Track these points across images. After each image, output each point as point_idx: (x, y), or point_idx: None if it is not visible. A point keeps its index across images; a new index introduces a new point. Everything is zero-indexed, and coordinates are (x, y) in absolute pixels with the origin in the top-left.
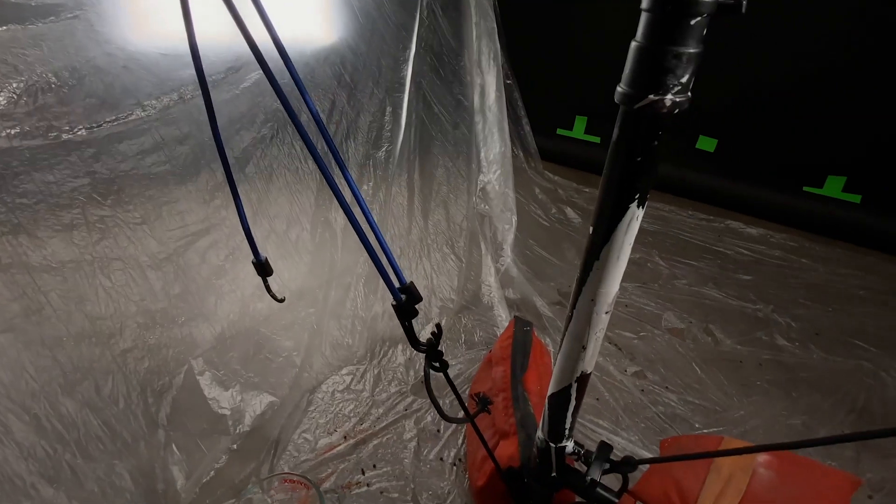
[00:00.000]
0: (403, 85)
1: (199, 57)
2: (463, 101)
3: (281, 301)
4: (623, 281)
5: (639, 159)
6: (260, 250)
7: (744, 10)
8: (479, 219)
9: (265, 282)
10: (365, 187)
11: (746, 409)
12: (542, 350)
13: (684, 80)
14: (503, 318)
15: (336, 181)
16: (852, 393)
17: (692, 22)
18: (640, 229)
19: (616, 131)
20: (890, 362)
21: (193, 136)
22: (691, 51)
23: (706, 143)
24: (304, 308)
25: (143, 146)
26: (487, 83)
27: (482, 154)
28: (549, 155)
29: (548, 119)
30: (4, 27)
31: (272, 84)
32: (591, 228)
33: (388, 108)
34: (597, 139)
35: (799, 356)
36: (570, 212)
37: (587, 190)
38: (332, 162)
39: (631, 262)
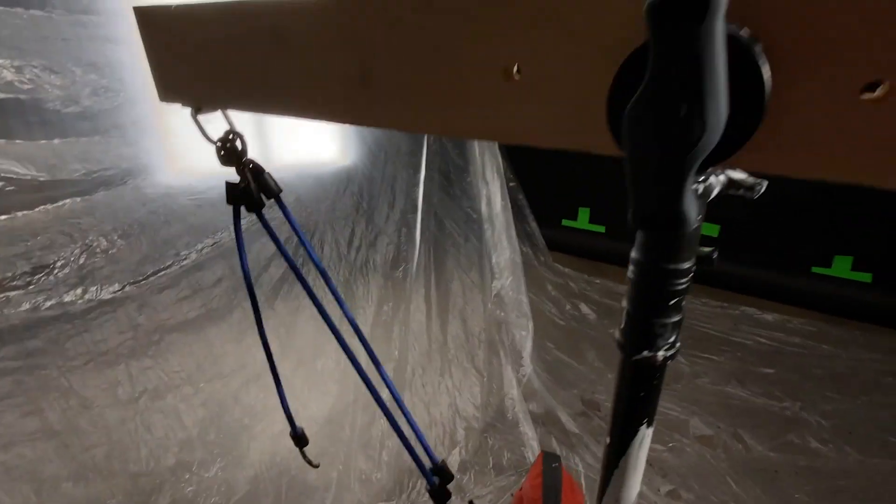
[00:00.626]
0: (416, 206)
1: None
2: (472, 214)
3: (316, 467)
4: None
5: (642, 394)
6: (289, 382)
7: (714, 264)
8: (496, 327)
9: (302, 452)
10: (385, 307)
11: None
12: (572, 488)
13: (671, 339)
14: (529, 436)
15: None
16: None
17: (671, 302)
18: None
19: (618, 371)
20: None
21: (227, 277)
22: (675, 319)
23: (709, 229)
24: (331, 440)
25: (182, 293)
26: (493, 193)
27: (493, 261)
28: (556, 245)
29: (552, 211)
30: (61, 202)
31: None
32: (606, 439)
33: (403, 230)
34: (601, 228)
35: (835, 460)
36: (584, 307)
37: (598, 281)
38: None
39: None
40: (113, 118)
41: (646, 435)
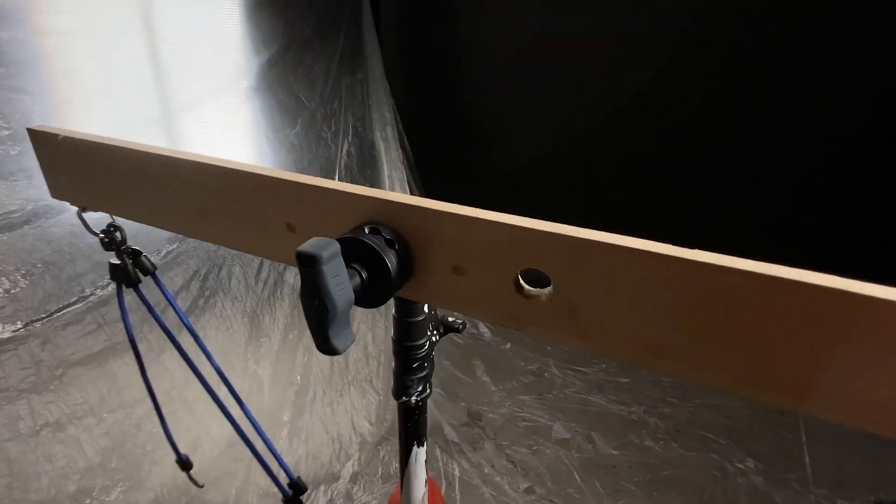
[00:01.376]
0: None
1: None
2: None
3: (201, 487)
4: (523, 394)
5: (409, 425)
6: (192, 408)
7: (462, 331)
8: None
9: (188, 475)
10: (290, 335)
11: None
12: (432, 488)
13: (420, 388)
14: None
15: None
16: (700, 486)
17: (415, 365)
18: (539, 341)
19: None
20: (733, 452)
21: (132, 311)
22: (421, 375)
23: None
24: (233, 459)
25: (86, 329)
26: None
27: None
28: None
29: None
30: None
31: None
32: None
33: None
34: None
35: (661, 455)
36: (482, 327)
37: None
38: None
39: (531, 373)
40: (18, 163)
41: (419, 452)
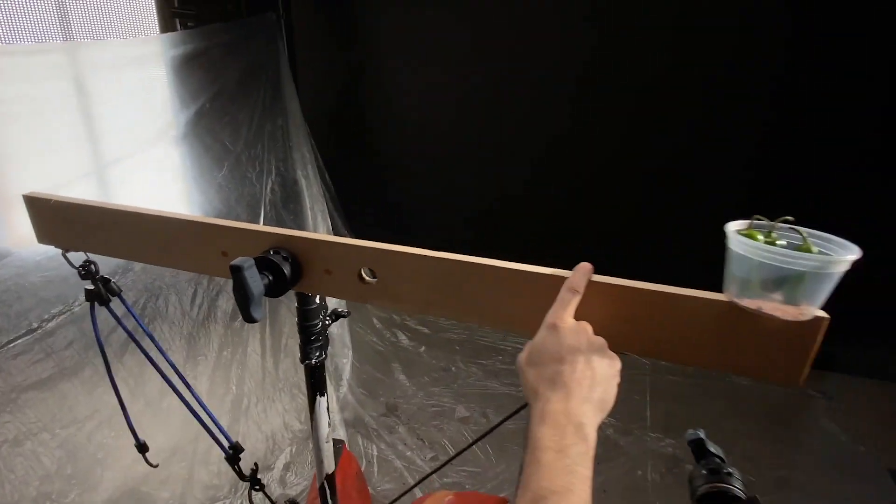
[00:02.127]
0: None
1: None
2: None
3: (155, 467)
4: (433, 386)
5: (312, 381)
6: (139, 420)
7: (347, 316)
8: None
9: (144, 457)
10: (225, 352)
11: (500, 469)
12: (349, 458)
13: (318, 354)
14: (341, 436)
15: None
16: None
17: (311, 338)
18: (448, 340)
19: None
20: None
21: (77, 340)
22: (318, 345)
23: None
24: (178, 464)
25: (35, 357)
26: None
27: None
28: None
29: None
30: None
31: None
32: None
33: None
34: None
35: None
36: (400, 335)
37: (419, 315)
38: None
39: (440, 369)
40: None
41: (321, 401)
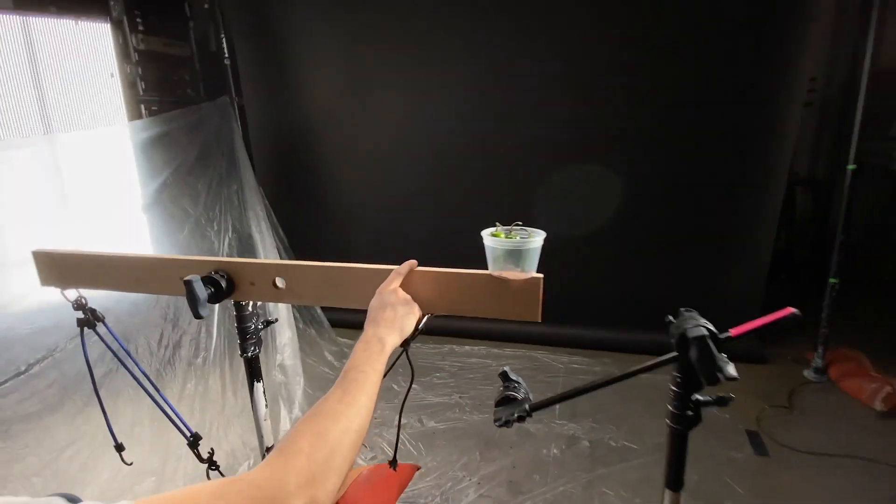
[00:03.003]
0: (214, 309)
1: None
2: (258, 312)
3: (129, 465)
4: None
5: (251, 371)
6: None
7: (275, 322)
8: (277, 387)
9: (121, 456)
10: (188, 385)
11: (428, 459)
12: None
13: (251, 349)
14: None
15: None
16: (487, 435)
17: (247, 336)
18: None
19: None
20: None
21: (58, 381)
22: (253, 341)
23: None
24: (147, 478)
25: (23, 396)
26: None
27: (277, 342)
28: (345, 324)
29: None
30: None
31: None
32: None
33: (203, 327)
34: None
35: (469, 421)
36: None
37: None
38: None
39: (384, 389)
40: None
41: (258, 387)
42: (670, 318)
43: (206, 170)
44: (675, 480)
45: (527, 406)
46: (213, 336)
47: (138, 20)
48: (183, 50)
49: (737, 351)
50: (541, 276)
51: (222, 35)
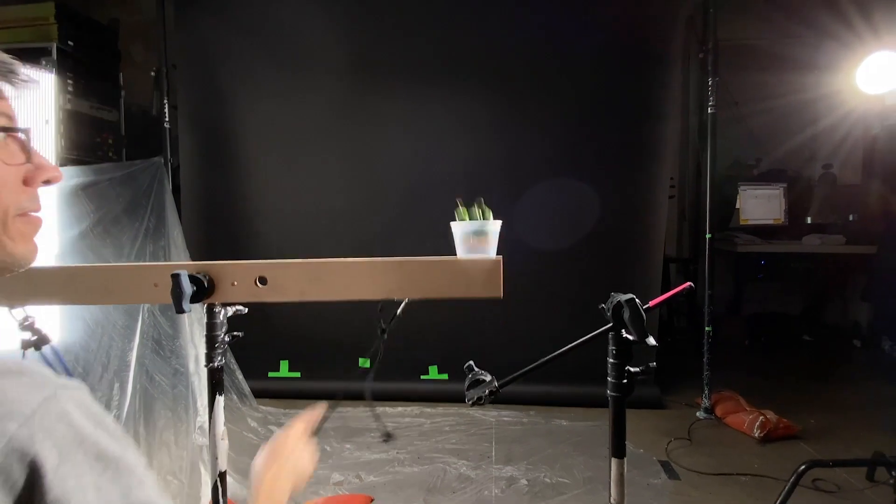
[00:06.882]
0: (129, 366)
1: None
2: (179, 369)
3: None
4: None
5: (214, 382)
6: None
7: (242, 336)
8: (198, 450)
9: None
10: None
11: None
12: None
13: (218, 359)
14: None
15: None
16: (429, 482)
17: (215, 346)
18: (324, 428)
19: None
20: (449, 459)
21: None
22: (220, 352)
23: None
24: None
25: None
26: (201, 353)
27: (199, 403)
28: (267, 393)
29: (261, 366)
30: None
31: None
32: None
33: (116, 385)
34: (297, 374)
35: (407, 473)
36: (275, 429)
37: (291, 411)
38: None
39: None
40: None
41: (219, 401)
42: (602, 305)
43: (133, 224)
44: (618, 448)
45: (495, 383)
46: (128, 393)
47: (69, 82)
48: (111, 115)
49: (642, 398)
50: (499, 258)
51: (165, 101)
